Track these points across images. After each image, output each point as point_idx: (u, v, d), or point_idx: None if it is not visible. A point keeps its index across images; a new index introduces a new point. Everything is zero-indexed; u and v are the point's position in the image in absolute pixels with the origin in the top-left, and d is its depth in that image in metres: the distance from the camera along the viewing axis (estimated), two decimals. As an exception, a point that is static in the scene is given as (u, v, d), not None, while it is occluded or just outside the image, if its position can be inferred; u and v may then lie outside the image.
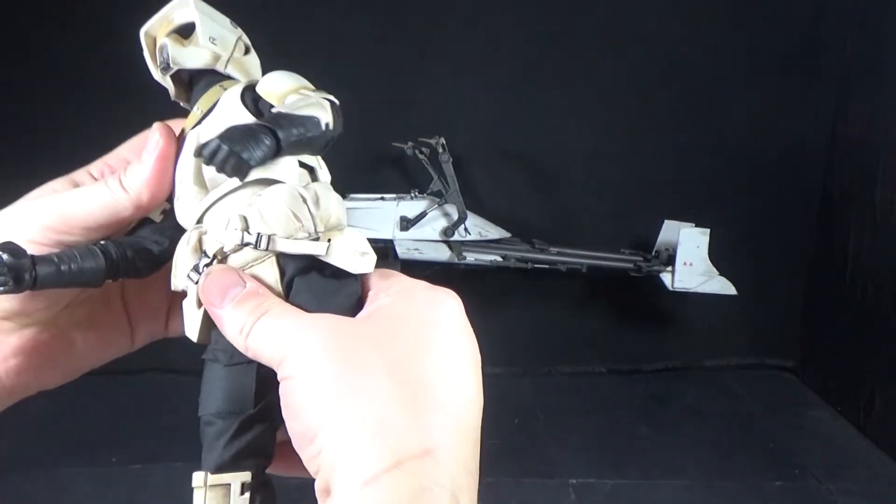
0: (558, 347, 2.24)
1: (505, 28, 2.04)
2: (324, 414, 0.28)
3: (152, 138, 0.34)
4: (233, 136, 0.29)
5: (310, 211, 0.32)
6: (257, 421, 0.33)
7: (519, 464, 1.71)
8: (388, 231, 1.88)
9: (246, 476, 0.32)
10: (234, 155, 0.29)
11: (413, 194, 1.93)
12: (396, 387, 0.29)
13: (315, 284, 0.32)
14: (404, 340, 0.31)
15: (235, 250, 0.32)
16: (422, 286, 0.34)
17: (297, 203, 0.32)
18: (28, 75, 1.94)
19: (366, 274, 0.34)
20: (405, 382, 0.29)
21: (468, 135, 2.02)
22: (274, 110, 0.32)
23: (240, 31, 0.38)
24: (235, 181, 0.32)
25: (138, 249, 0.35)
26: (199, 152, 0.29)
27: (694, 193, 2.12)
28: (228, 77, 0.36)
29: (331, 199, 0.33)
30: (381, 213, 1.89)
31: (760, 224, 2.18)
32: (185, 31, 0.36)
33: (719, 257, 1.97)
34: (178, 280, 0.34)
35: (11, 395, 0.36)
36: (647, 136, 2.10)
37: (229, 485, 0.32)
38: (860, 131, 2.01)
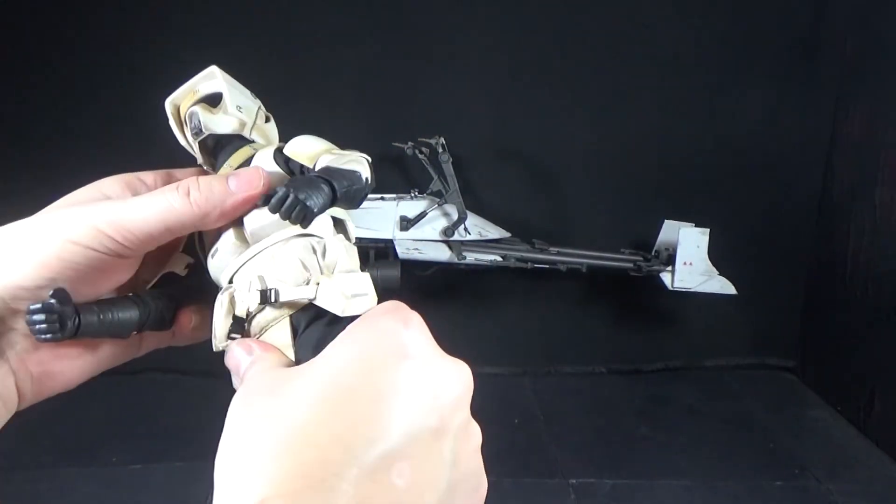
0: (558, 347, 2.24)
1: (505, 28, 2.04)
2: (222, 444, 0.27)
3: (255, 177, 0.35)
4: (298, 185, 0.32)
5: (318, 261, 0.34)
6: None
7: (519, 464, 1.71)
8: (388, 231, 1.88)
9: None
10: (301, 203, 0.31)
11: (413, 194, 1.94)
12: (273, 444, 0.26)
13: (313, 336, 0.32)
14: (335, 380, 0.28)
15: (259, 311, 0.33)
16: (363, 325, 0.30)
17: (307, 253, 0.34)
18: (31, 81, 1.95)
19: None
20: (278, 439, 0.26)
21: (468, 135, 2.02)
22: (322, 165, 0.34)
23: (259, 102, 0.41)
24: (276, 237, 0.34)
25: (167, 305, 0.38)
26: (266, 201, 0.32)
27: (694, 193, 2.12)
28: (253, 141, 0.40)
29: (339, 248, 0.35)
30: (381, 213, 1.89)
31: (760, 224, 2.18)
32: (210, 101, 0.39)
33: (719, 257, 1.97)
34: (219, 343, 0.34)
35: (37, 395, 0.37)
36: (647, 136, 2.10)
37: None
38: (860, 131, 2.01)
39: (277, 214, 0.33)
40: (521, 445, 1.80)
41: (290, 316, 0.33)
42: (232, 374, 0.33)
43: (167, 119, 0.40)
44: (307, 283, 0.33)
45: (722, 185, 2.14)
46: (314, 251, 0.34)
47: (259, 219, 0.35)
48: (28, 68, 1.94)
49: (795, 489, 1.68)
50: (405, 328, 0.29)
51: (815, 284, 2.22)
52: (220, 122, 0.39)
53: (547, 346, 2.23)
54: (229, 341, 0.34)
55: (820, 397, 2.14)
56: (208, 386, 1.97)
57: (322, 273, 0.34)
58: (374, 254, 1.90)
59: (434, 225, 1.90)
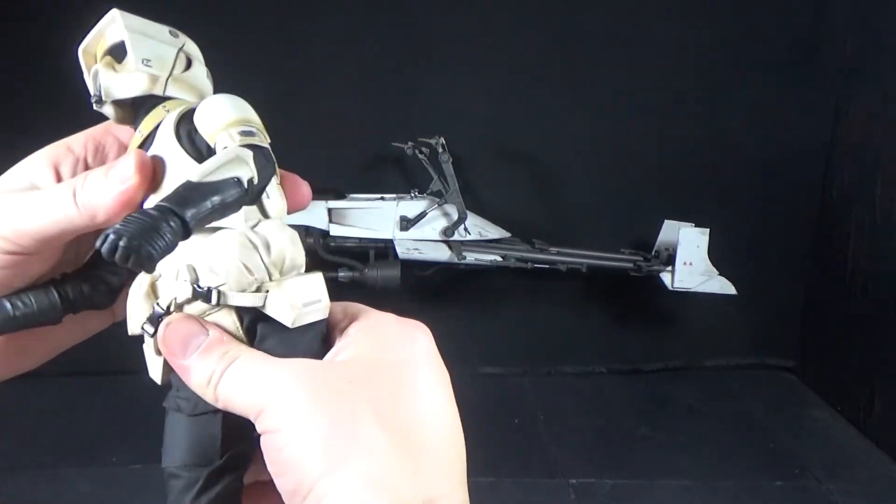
0: (558, 347, 2.24)
1: (505, 28, 2.04)
2: (318, 469, 0.27)
3: (127, 168, 0.31)
4: (131, 229, 0.27)
5: (262, 259, 0.31)
6: (225, 472, 0.32)
7: (519, 464, 1.71)
8: (388, 231, 1.88)
9: None
10: (134, 251, 0.26)
11: (413, 194, 1.93)
12: (388, 435, 0.28)
13: (280, 327, 0.31)
14: (386, 385, 0.30)
15: (189, 301, 0.31)
16: (391, 321, 0.33)
17: (247, 253, 0.30)
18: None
19: (332, 308, 0.33)
20: (395, 430, 0.28)
21: (468, 135, 2.02)
22: (184, 180, 0.29)
23: (182, 40, 0.35)
24: None
25: (95, 283, 0.35)
26: (98, 245, 0.27)
27: (694, 193, 2.12)
28: (168, 98, 0.34)
29: (283, 239, 0.31)
30: (381, 213, 1.89)
31: (760, 224, 2.18)
32: (117, 53, 0.34)
33: (719, 257, 1.97)
34: (133, 326, 0.32)
35: None
36: (646, 137, 2.10)
37: None
38: (860, 131, 2.01)
39: None
40: (521, 445, 1.80)
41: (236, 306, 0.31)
42: (168, 349, 0.31)
43: (82, 71, 0.35)
44: (255, 289, 0.30)
45: (722, 185, 2.14)
46: (255, 247, 0.31)
47: None
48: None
49: (795, 489, 1.68)
50: (429, 339, 0.33)
51: (815, 284, 2.22)
52: (122, 85, 0.33)
53: (547, 346, 2.23)
54: (146, 325, 0.32)
55: (820, 397, 2.14)
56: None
57: (269, 274, 0.31)
58: (374, 254, 1.90)
59: (434, 225, 1.90)
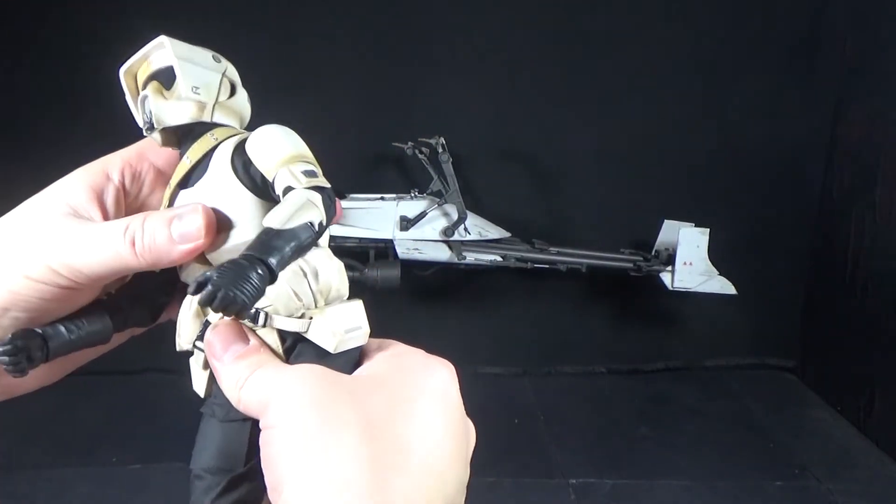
0: (558, 347, 2.24)
1: (505, 28, 2.04)
2: (292, 467, 0.28)
3: (195, 226, 0.32)
4: (225, 279, 0.28)
5: (310, 286, 0.32)
6: (245, 480, 0.33)
7: (519, 464, 1.71)
8: (388, 231, 1.88)
9: None
10: (231, 301, 0.28)
11: (413, 194, 1.93)
12: (367, 448, 0.28)
13: (317, 351, 0.32)
14: (386, 402, 0.30)
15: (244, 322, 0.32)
16: (416, 353, 0.34)
17: (297, 280, 0.32)
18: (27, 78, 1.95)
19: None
20: (377, 443, 0.29)
21: (468, 135, 2.02)
22: (265, 223, 0.30)
23: (224, 65, 0.36)
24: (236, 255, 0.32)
25: (143, 304, 0.36)
26: (194, 293, 0.29)
27: (694, 193, 2.12)
28: (215, 125, 0.35)
29: (331, 269, 0.33)
30: (381, 213, 1.89)
31: (760, 224, 2.18)
32: (165, 78, 0.35)
33: (719, 257, 1.97)
34: (183, 343, 0.34)
35: (11, 393, 0.36)
36: (646, 136, 2.10)
37: None
38: (860, 131, 2.01)
39: (239, 241, 0.32)
40: (521, 445, 1.80)
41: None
42: (210, 350, 0.32)
43: (124, 93, 0.36)
44: (300, 316, 0.32)
45: (722, 185, 2.14)
46: (304, 275, 0.32)
47: (222, 247, 0.33)
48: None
49: (795, 489, 1.68)
50: (451, 375, 0.33)
51: (815, 284, 2.22)
52: (173, 113, 0.34)
53: (547, 346, 2.23)
54: (198, 342, 0.33)
55: (820, 397, 2.14)
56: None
57: (315, 301, 0.32)
58: (374, 254, 1.90)
59: (434, 225, 1.90)
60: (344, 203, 1.90)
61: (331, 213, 0.32)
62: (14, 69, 1.94)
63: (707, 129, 2.11)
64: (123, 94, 0.36)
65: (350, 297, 0.34)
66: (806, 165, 2.15)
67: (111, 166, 0.36)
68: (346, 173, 1.99)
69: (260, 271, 0.29)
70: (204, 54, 0.35)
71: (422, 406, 0.31)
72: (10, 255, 0.33)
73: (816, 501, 1.64)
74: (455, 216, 1.89)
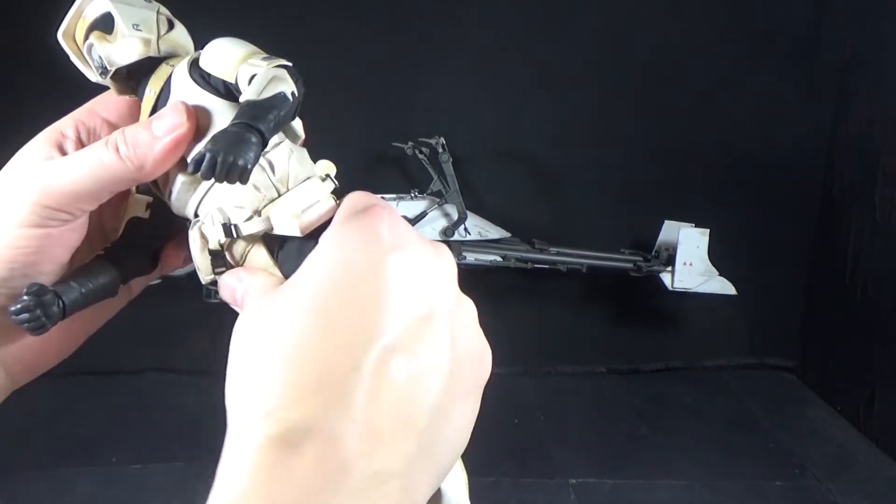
0: (558, 347, 2.24)
1: (505, 28, 2.04)
2: (231, 362, 0.29)
3: (177, 116, 0.32)
4: (222, 145, 0.29)
5: (268, 177, 0.33)
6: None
7: (519, 464, 1.71)
8: (389, 231, 1.88)
9: None
10: (232, 164, 0.29)
11: (413, 194, 1.94)
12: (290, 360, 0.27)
13: (290, 252, 0.33)
14: (322, 289, 0.28)
15: (228, 242, 0.33)
16: (350, 214, 0.32)
17: (258, 174, 0.33)
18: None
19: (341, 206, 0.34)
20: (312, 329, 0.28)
21: (468, 135, 2.02)
22: (242, 99, 0.31)
23: (155, 4, 0.36)
24: None
25: (141, 250, 0.37)
26: (195, 168, 0.29)
27: (694, 193, 2.12)
28: (166, 57, 0.36)
29: (289, 158, 0.34)
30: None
31: (760, 224, 2.18)
32: (103, 25, 0.35)
33: (719, 257, 1.97)
34: (206, 276, 0.35)
35: (34, 371, 0.36)
36: (646, 136, 2.10)
37: None
38: (860, 131, 2.01)
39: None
40: (521, 445, 1.80)
41: (263, 238, 0.33)
42: (227, 298, 0.33)
43: (67, 55, 0.36)
44: (262, 210, 0.33)
45: (722, 185, 2.14)
46: (263, 169, 0.33)
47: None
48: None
49: (795, 489, 1.68)
50: (379, 223, 0.30)
51: (815, 284, 2.22)
52: (121, 51, 0.35)
53: (547, 346, 2.23)
54: (216, 274, 0.34)
55: (820, 397, 2.14)
56: (208, 386, 1.97)
57: (277, 191, 0.33)
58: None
59: (434, 225, 1.90)
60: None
61: (300, 86, 0.33)
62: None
63: (707, 129, 2.11)
64: (68, 58, 0.36)
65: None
66: (806, 165, 2.15)
67: (64, 126, 0.36)
68: (346, 173, 1.98)
69: (254, 139, 0.29)
70: None
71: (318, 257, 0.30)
72: None
73: (816, 501, 1.64)
74: (455, 216, 1.89)
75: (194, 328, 1.92)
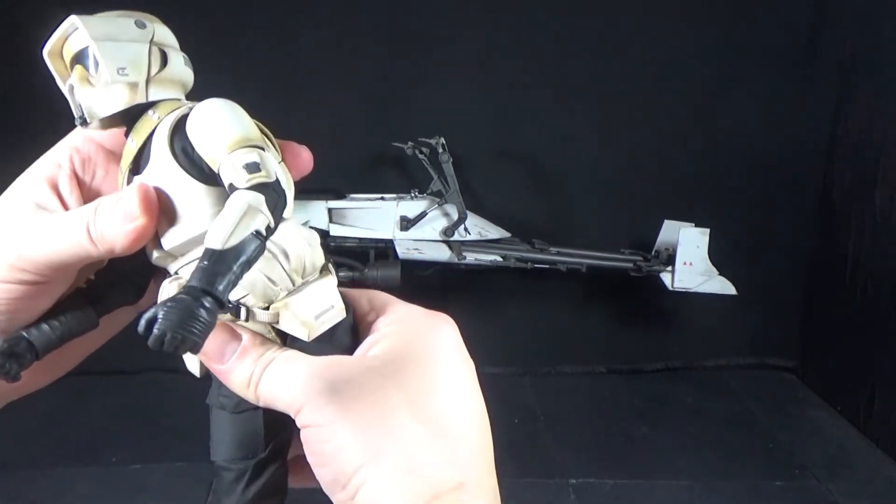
0: (558, 347, 2.24)
1: (505, 28, 2.04)
2: (356, 461, 0.29)
3: (131, 207, 0.30)
4: (170, 320, 0.27)
5: (283, 268, 0.32)
6: (269, 462, 0.34)
7: (519, 464, 1.70)
8: (388, 231, 1.88)
9: None
10: (179, 342, 0.27)
11: (413, 194, 1.94)
12: (420, 425, 0.30)
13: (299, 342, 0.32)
14: (415, 377, 0.31)
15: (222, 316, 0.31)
16: (417, 314, 0.34)
17: (269, 265, 0.31)
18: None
19: (356, 300, 0.34)
20: (427, 420, 0.30)
21: (468, 135, 2.02)
22: (206, 243, 0.28)
23: (150, 30, 0.32)
24: (201, 242, 0.30)
25: (124, 286, 0.35)
26: (142, 332, 0.27)
27: (694, 193, 2.12)
28: (154, 103, 0.33)
29: (299, 243, 0.32)
30: (381, 213, 1.89)
31: (760, 224, 2.18)
32: (86, 60, 0.32)
33: (719, 257, 1.97)
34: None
35: (6, 399, 0.36)
36: (646, 137, 2.10)
37: None
38: (860, 131, 2.01)
39: (194, 232, 0.31)
40: (521, 445, 1.80)
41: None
42: (206, 357, 0.32)
43: (53, 77, 0.33)
44: (277, 302, 0.31)
45: (722, 185, 2.14)
46: (275, 257, 0.31)
47: (175, 239, 0.32)
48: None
49: (795, 489, 1.68)
50: (455, 331, 0.35)
51: (815, 284, 2.22)
52: (102, 102, 0.31)
53: (547, 346, 2.23)
54: None
55: (820, 397, 2.14)
56: (208, 386, 1.97)
57: (293, 281, 0.32)
58: (375, 254, 1.90)
59: (434, 225, 1.90)
60: (344, 203, 1.90)
61: (279, 210, 0.29)
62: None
63: (707, 129, 2.11)
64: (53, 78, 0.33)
65: (323, 268, 0.33)
66: (806, 165, 2.15)
67: (59, 154, 0.35)
68: (346, 173, 1.99)
69: (207, 304, 0.27)
70: (125, 24, 0.32)
71: (446, 372, 0.32)
72: None
73: (816, 501, 1.64)
74: (455, 216, 1.89)
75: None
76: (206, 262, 0.28)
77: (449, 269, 1.98)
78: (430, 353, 0.33)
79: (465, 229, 1.91)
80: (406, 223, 1.88)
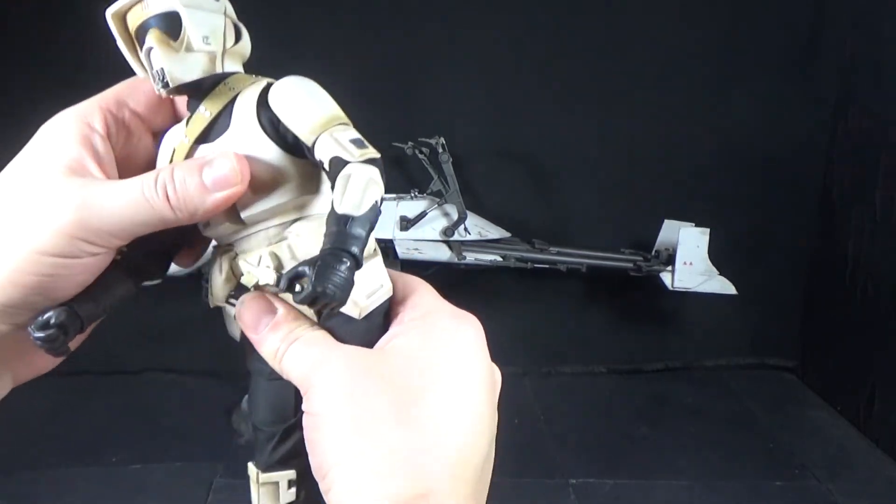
0: (558, 347, 2.24)
1: (505, 28, 2.04)
2: (335, 454, 0.30)
3: (231, 174, 0.31)
4: (321, 277, 0.28)
5: None
6: (297, 428, 0.35)
7: (519, 464, 1.70)
8: (388, 231, 1.88)
9: (291, 474, 0.36)
10: (329, 297, 0.28)
11: (413, 194, 1.94)
12: (400, 431, 0.30)
13: (342, 322, 0.33)
14: (419, 379, 0.32)
15: (269, 286, 0.33)
16: (443, 314, 0.35)
17: None
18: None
19: (392, 283, 0.35)
20: (411, 425, 0.30)
21: (468, 135, 2.02)
22: (339, 209, 0.30)
23: (223, 4, 0.33)
24: (279, 219, 0.32)
25: (157, 257, 0.36)
26: (287, 287, 0.29)
27: (694, 193, 2.12)
28: (228, 74, 0.33)
29: None
30: (381, 213, 1.89)
31: (760, 224, 2.18)
32: (168, 27, 0.31)
33: (719, 257, 1.97)
34: (217, 300, 0.35)
35: (35, 371, 0.36)
36: (646, 136, 2.10)
37: (277, 482, 0.36)
38: (860, 131, 2.01)
39: (274, 201, 0.32)
40: (521, 445, 1.80)
41: None
42: (244, 324, 0.34)
43: (113, 36, 0.33)
44: None
45: (722, 185, 2.14)
46: None
47: (255, 207, 0.32)
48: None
49: (795, 489, 1.68)
50: (477, 332, 0.36)
51: (815, 284, 2.22)
52: (187, 68, 0.32)
53: (547, 346, 2.23)
54: (227, 302, 0.34)
55: (820, 397, 2.14)
56: (208, 386, 1.97)
57: None
58: (374, 254, 1.90)
59: (434, 225, 1.90)
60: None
61: (383, 181, 0.32)
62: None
63: (707, 128, 2.11)
64: (113, 40, 0.33)
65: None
66: (806, 165, 2.15)
67: (90, 115, 0.33)
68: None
69: (349, 263, 0.29)
70: None
71: (456, 378, 0.33)
72: (20, 233, 0.30)
73: (816, 501, 1.64)
74: (455, 216, 1.89)
75: (194, 328, 1.92)
76: (341, 227, 0.29)
77: (449, 269, 1.98)
78: (444, 356, 0.33)
79: (465, 229, 1.91)
80: (406, 223, 1.88)
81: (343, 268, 0.29)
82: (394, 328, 0.34)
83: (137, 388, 1.97)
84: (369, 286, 0.33)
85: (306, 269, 0.29)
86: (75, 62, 1.77)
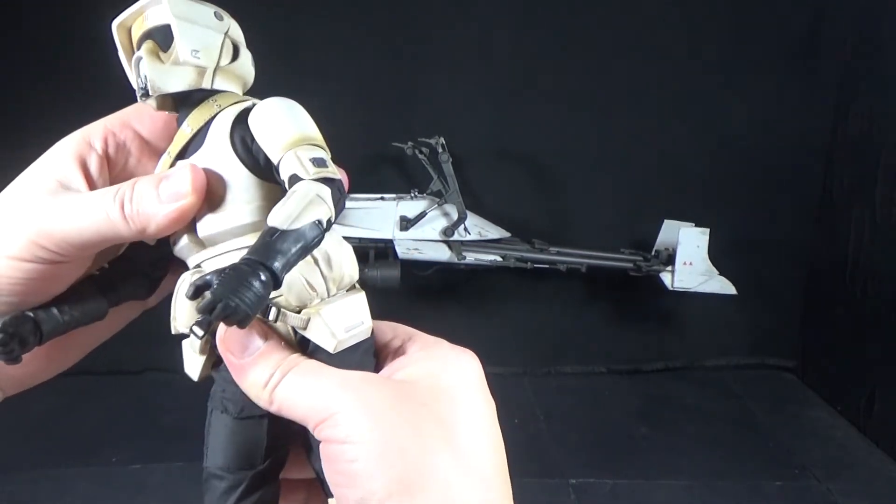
0: (558, 347, 2.24)
1: (505, 28, 2.04)
2: (387, 487, 0.28)
3: (182, 185, 0.30)
4: (225, 287, 0.26)
5: (322, 274, 0.31)
6: (267, 477, 0.32)
7: (519, 464, 1.70)
8: (388, 231, 1.88)
9: None
10: (231, 311, 0.26)
11: (413, 194, 1.93)
12: (453, 459, 0.29)
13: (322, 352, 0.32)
14: (448, 407, 0.31)
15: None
16: (446, 347, 0.34)
17: (309, 269, 0.31)
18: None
19: (379, 326, 0.34)
20: (458, 454, 0.29)
21: (468, 135, 2.02)
22: (270, 221, 0.28)
23: (226, 23, 0.33)
24: (240, 242, 0.31)
25: (138, 278, 0.35)
26: (193, 294, 0.27)
27: (694, 193, 2.12)
28: (217, 92, 0.33)
29: (343, 254, 0.32)
30: (381, 213, 1.89)
31: (760, 224, 2.18)
32: (161, 38, 0.32)
33: (719, 257, 1.97)
34: (179, 326, 0.33)
35: (8, 393, 0.36)
36: (646, 136, 2.10)
37: None
38: (860, 131, 2.01)
39: (233, 222, 0.31)
40: (521, 445, 1.80)
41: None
42: (227, 348, 0.31)
43: (116, 47, 0.33)
44: (307, 306, 0.31)
45: (722, 185, 2.14)
46: (316, 263, 0.31)
47: (212, 226, 0.31)
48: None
49: (795, 489, 1.68)
50: (479, 366, 0.34)
51: (815, 284, 2.22)
52: (171, 78, 0.31)
53: (547, 346, 2.23)
54: (195, 327, 0.31)
55: (820, 397, 2.14)
56: (208, 386, 1.97)
57: (328, 290, 0.31)
58: (374, 254, 1.90)
59: (434, 225, 1.90)
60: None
61: (340, 208, 0.30)
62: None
63: (707, 128, 2.11)
64: (116, 51, 0.33)
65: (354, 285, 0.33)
66: (806, 165, 2.15)
67: (93, 135, 0.34)
68: (346, 173, 1.99)
69: (263, 277, 0.26)
70: (205, 11, 0.32)
71: (477, 410, 0.32)
72: None
73: (816, 501, 1.64)
74: (455, 216, 1.89)
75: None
76: (266, 239, 0.27)
77: (449, 269, 1.98)
78: (458, 386, 0.32)
79: (465, 229, 1.91)
80: (406, 223, 1.88)
81: (256, 282, 0.26)
82: (400, 360, 0.33)
83: (137, 388, 1.97)
84: (349, 321, 0.31)
85: (213, 277, 0.27)
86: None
